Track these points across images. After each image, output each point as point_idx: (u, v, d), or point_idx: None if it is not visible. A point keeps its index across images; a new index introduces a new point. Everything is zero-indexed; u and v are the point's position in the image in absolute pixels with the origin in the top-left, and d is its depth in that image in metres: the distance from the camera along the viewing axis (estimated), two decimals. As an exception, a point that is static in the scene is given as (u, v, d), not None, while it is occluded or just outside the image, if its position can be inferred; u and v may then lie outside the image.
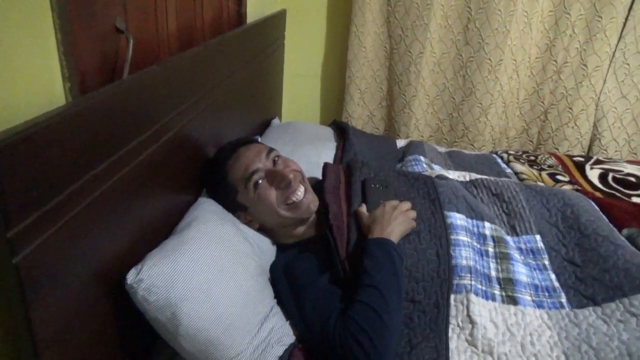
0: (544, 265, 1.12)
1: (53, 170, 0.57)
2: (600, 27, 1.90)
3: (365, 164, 1.30)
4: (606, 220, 1.23)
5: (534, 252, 1.15)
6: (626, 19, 1.90)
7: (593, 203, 1.31)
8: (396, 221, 1.03)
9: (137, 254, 0.81)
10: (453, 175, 1.43)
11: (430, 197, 1.20)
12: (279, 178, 1.07)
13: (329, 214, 1.08)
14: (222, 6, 1.37)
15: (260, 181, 1.06)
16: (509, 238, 1.16)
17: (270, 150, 1.12)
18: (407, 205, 1.10)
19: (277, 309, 0.97)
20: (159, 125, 0.83)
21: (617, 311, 0.98)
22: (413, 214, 1.09)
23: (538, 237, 1.17)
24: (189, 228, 0.91)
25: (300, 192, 1.09)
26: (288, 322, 0.96)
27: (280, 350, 0.89)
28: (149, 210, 0.85)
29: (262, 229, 1.13)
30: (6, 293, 0.55)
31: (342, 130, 1.79)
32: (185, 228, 0.91)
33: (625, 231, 1.20)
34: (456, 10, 1.99)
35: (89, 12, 0.74)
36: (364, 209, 1.08)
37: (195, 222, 0.94)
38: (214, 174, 1.10)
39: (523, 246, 1.16)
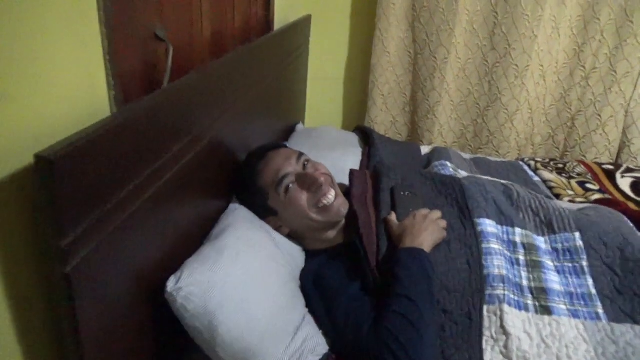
0: (582, 268, 1.07)
1: (102, 180, 0.57)
2: (632, 32, 1.86)
3: (392, 169, 1.29)
4: None
5: (571, 253, 1.09)
6: (658, 24, 1.86)
7: (626, 218, 1.24)
8: (427, 231, 1.01)
9: (173, 261, 0.81)
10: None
11: (458, 204, 1.18)
12: (309, 181, 1.07)
13: (358, 222, 1.07)
14: (251, 12, 1.37)
15: (291, 185, 1.06)
16: (542, 240, 1.12)
17: (300, 154, 1.13)
18: (437, 214, 1.08)
19: (309, 318, 0.97)
20: (196, 133, 0.84)
21: None
22: (444, 223, 1.08)
23: (577, 234, 1.11)
24: (223, 235, 0.91)
25: (331, 196, 1.08)
26: (321, 331, 0.95)
27: (314, 360, 0.88)
28: (184, 216, 0.85)
29: (292, 235, 1.12)
30: (55, 301, 0.55)
31: (366, 136, 1.78)
32: (220, 235, 0.91)
33: None
34: (482, 15, 1.96)
35: (132, 22, 0.75)
36: (393, 217, 1.07)
37: (229, 229, 0.94)
38: (244, 179, 1.10)
39: (560, 246, 1.11)
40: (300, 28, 1.78)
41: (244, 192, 1.10)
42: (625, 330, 0.96)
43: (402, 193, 1.16)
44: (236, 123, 1.08)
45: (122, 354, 0.68)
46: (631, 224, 1.23)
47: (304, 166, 1.11)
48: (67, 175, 0.50)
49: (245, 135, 1.18)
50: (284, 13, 1.71)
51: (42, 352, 0.62)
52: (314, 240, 1.13)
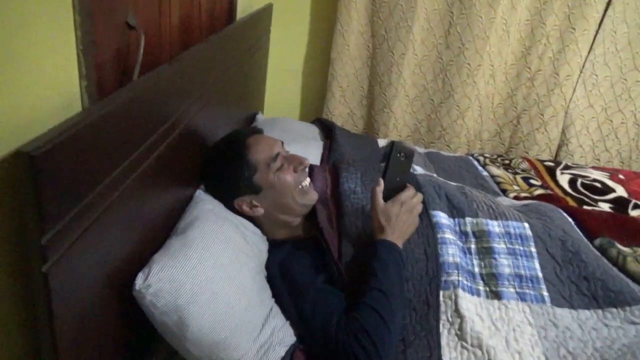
0: (531, 253, 1.14)
1: (80, 175, 0.55)
2: (573, 38, 1.99)
3: (352, 164, 1.32)
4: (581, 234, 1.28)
5: (522, 238, 1.16)
6: (596, 33, 2.00)
7: (565, 214, 1.33)
8: (407, 227, 1.03)
9: (142, 254, 0.80)
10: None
11: None
12: (297, 161, 1.11)
13: (317, 217, 1.10)
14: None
15: (281, 165, 1.09)
16: (495, 224, 1.17)
17: (282, 142, 1.17)
18: (419, 198, 1.07)
19: (277, 309, 0.98)
20: (168, 124, 0.82)
21: (591, 319, 1.04)
22: (420, 208, 1.08)
23: (527, 225, 1.19)
24: (191, 229, 0.90)
25: (308, 180, 1.14)
26: (288, 322, 0.97)
27: (282, 351, 0.90)
28: (155, 208, 0.84)
29: (262, 218, 1.11)
30: (31, 299, 0.53)
31: (327, 129, 1.80)
32: (187, 229, 0.90)
33: (597, 241, 1.24)
34: (439, 14, 2.03)
35: (107, 9, 0.72)
36: (381, 188, 1.04)
37: (196, 222, 0.93)
38: (227, 153, 1.10)
39: (512, 231, 1.17)
40: (262, 17, 1.77)
41: (225, 166, 1.08)
42: (564, 314, 1.05)
43: (398, 154, 1.07)
44: (204, 113, 1.07)
45: (96, 349, 0.67)
46: (570, 219, 1.34)
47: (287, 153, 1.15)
48: (48, 171, 0.48)
49: (211, 125, 1.17)
50: (245, 1, 1.68)
51: (16, 346, 0.60)
52: (280, 225, 1.13)
